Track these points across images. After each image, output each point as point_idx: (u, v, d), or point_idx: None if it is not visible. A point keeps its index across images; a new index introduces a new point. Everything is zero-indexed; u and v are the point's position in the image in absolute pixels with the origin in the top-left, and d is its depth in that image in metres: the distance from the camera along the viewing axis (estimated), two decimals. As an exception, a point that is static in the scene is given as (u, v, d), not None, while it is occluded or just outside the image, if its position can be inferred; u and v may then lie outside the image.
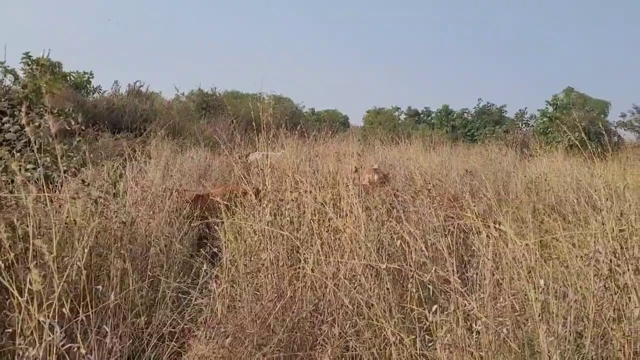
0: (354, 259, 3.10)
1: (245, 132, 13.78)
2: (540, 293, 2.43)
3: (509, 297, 2.70)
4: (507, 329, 2.41)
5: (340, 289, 3.03)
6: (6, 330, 2.09)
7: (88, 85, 16.46)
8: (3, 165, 2.86)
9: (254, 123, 5.05)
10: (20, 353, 1.88)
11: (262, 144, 5.41)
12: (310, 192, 3.83)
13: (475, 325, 2.43)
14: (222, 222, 4.54)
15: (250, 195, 4.20)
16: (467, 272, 3.12)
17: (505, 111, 23.11)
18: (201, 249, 4.92)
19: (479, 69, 43.28)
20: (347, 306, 2.92)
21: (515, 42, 44.08)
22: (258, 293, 3.39)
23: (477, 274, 2.95)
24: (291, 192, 4.10)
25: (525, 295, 2.77)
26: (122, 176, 5.22)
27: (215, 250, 4.32)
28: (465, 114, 23.50)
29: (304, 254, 3.36)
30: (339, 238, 3.38)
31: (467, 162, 10.50)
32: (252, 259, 3.61)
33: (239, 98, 21.26)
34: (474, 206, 4.48)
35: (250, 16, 47.13)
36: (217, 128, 14.97)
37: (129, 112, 14.75)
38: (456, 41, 46.50)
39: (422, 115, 25.45)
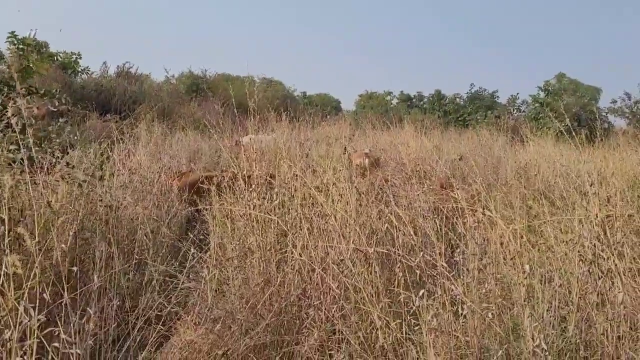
0: (343, 243, 3.09)
1: (236, 115, 13.69)
2: (525, 278, 2.44)
3: (494, 282, 2.71)
4: (492, 314, 2.42)
5: (328, 273, 3.03)
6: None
7: (76, 66, 16.23)
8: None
9: (242, 107, 4.99)
10: None
11: (252, 128, 5.38)
12: (300, 176, 3.81)
13: (461, 309, 2.43)
14: (211, 206, 4.52)
15: (239, 179, 4.17)
16: (454, 257, 3.13)
17: (497, 96, 23.12)
18: (189, 233, 4.91)
19: (471, 54, 43.13)
20: (335, 290, 2.92)
21: (508, 27, 43.95)
22: (246, 277, 3.38)
23: (462, 259, 2.96)
24: (279, 176, 4.08)
25: (511, 279, 2.78)
26: (110, 158, 5.17)
27: (203, 234, 4.30)
28: (457, 99, 23.47)
29: (293, 238, 3.35)
30: (327, 222, 3.37)
31: (458, 147, 10.51)
32: (239, 243, 3.60)
33: (230, 81, 21.08)
34: (463, 191, 4.50)
35: (241, -2, 46.57)
36: (207, 111, 14.88)
37: (118, 93, 14.60)
38: (449, 26, 46.28)
39: (414, 100, 25.38)
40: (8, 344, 1.78)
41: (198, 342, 2.83)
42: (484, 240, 3.05)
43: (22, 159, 2.65)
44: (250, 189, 3.72)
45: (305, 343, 2.75)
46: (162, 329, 2.92)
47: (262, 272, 3.29)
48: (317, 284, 3.08)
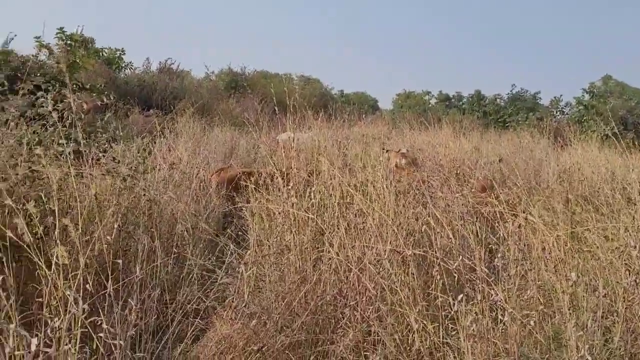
0: (380, 243, 3.08)
1: (274, 112, 13.76)
2: (571, 286, 2.37)
3: (536, 289, 2.65)
4: (534, 321, 2.36)
5: (365, 273, 3.02)
6: (37, 300, 2.14)
7: (120, 62, 16.61)
8: (37, 140, 2.91)
9: (280, 104, 5.01)
10: (48, 322, 1.92)
11: (289, 125, 5.40)
12: (338, 175, 3.81)
13: (502, 316, 2.39)
14: (248, 203, 4.56)
15: (277, 177, 4.20)
16: (493, 261, 3.07)
17: (540, 98, 22.55)
18: (226, 228, 4.96)
19: (513, 53, 42.27)
20: (371, 291, 2.91)
21: (553, 27, 42.85)
22: (282, 275, 3.40)
23: (503, 264, 2.90)
24: (317, 174, 4.09)
25: (553, 287, 2.71)
26: (151, 153, 5.28)
27: (240, 230, 4.34)
28: (497, 99, 23.00)
29: (329, 237, 3.35)
30: (365, 222, 3.36)
31: (498, 148, 10.32)
32: (277, 240, 3.62)
33: (268, 78, 21.23)
34: (503, 194, 4.41)
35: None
36: (245, 108, 15.02)
37: (159, 89, 14.88)
38: (491, 26, 45.44)
39: (453, 100, 25.01)
40: (57, 332, 1.84)
41: (234, 336, 2.86)
42: (525, 246, 2.98)
43: (70, 152, 2.73)
44: (289, 187, 3.74)
45: (341, 343, 2.75)
46: (199, 323, 2.97)
47: (299, 270, 3.30)
48: (353, 284, 3.08)
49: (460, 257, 2.68)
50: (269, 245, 3.62)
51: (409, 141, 10.87)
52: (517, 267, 2.69)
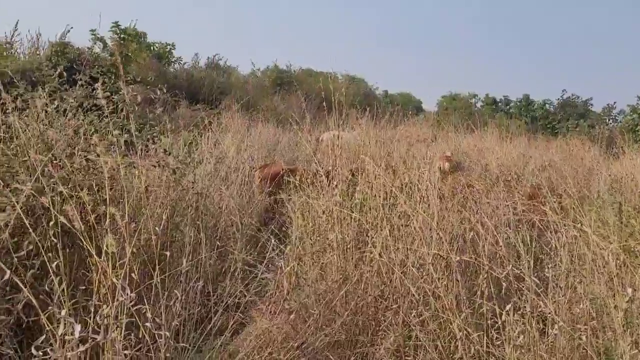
0: (424, 247, 3.03)
1: (318, 110, 13.80)
2: (627, 302, 2.28)
3: (587, 302, 2.55)
4: (585, 337, 2.28)
5: (408, 276, 2.98)
6: (88, 288, 2.20)
7: (170, 56, 16.99)
8: (93, 130, 3.01)
9: (324, 102, 5.01)
10: (97, 310, 1.97)
11: (333, 124, 5.39)
12: (381, 175, 3.78)
13: (551, 329, 2.31)
14: (290, 199, 4.58)
15: (320, 174, 4.20)
16: (541, 272, 2.98)
17: (592, 104, 21.81)
18: (268, 224, 5.00)
19: (565, 58, 41.01)
20: (414, 295, 2.87)
21: (609, 31, 41.35)
22: (323, 273, 3.39)
23: (552, 275, 2.81)
24: (362, 173, 4.06)
25: (604, 301, 2.61)
26: (198, 147, 5.37)
27: (282, 226, 4.37)
28: (547, 104, 22.38)
29: (372, 237, 3.33)
30: (409, 224, 3.32)
31: (546, 155, 10.04)
32: (319, 238, 3.62)
33: (313, 76, 21.28)
34: (554, 202, 4.28)
35: None
36: (289, 105, 15.12)
37: (206, 84, 15.15)
38: (543, 29, 44.20)
39: (500, 104, 24.49)
40: (106, 319, 1.88)
41: (273, 331, 2.87)
42: (576, 258, 2.88)
43: (123, 142, 2.80)
44: (333, 186, 3.73)
45: (381, 346, 2.72)
46: (240, 317, 3.00)
47: (340, 269, 3.29)
48: (395, 287, 3.05)
49: (510, 265, 2.61)
50: (311, 243, 3.62)
51: (454, 144, 10.70)
52: (568, 278, 2.60)
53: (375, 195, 3.69)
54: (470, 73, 43.07)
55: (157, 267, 2.37)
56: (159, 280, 2.37)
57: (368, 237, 3.36)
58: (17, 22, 10.15)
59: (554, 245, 2.94)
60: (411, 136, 10.94)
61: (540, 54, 43.30)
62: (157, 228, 2.44)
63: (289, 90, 17.97)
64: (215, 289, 3.41)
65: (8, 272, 1.74)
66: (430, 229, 3.25)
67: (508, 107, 23.98)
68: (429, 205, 3.53)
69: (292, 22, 45.62)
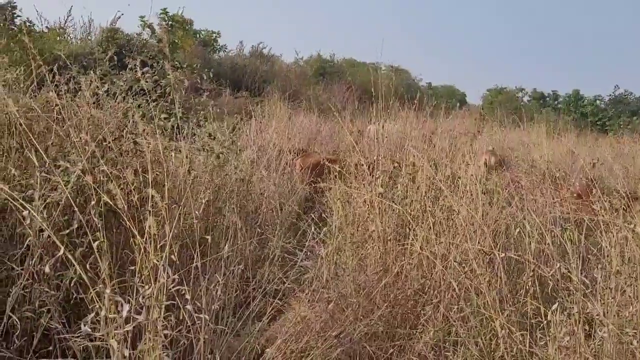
0: (467, 242, 2.96)
1: (360, 101, 13.72)
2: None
3: (638, 305, 2.45)
4: (637, 340, 2.18)
5: (449, 271, 2.93)
6: (130, 268, 2.24)
7: (215, 44, 17.19)
8: (141, 113, 3.06)
9: (367, 93, 4.96)
10: (139, 290, 2.00)
11: (376, 115, 5.33)
12: (426, 167, 3.71)
13: (598, 331, 2.23)
14: (331, 189, 4.57)
15: (362, 165, 4.16)
16: (588, 272, 2.87)
17: (646, 101, 20.98)
18: (307, 212, 5.01)
19: (618, 53, 39.42)
20: (455, 290, 2.81)
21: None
22: (362, 263, 3.37)
23: (602, 276, 2.70)
24: (406, 165, 4.01)
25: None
26: (241, 134, 5.41)
27: (323, 215, 4.35)
28: (597, 101, 21.60)
29: (414, 230, 3.28)
30: (452, 219, 3.25)
31: (595, 152, 9.70)
32: (360, 229, 3.59)
33: (356, 66, 21.15)
34: (605, 201, 4.11)
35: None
36: (331, 95, 15.08)
37: (249, 72, 15.26)
38: (594, 23, 42.61)
39: (548, 99, 23.80)
40: (148, 300, 1.91)
41: (311, 319, 2.87)
42: (629, 260, 2.76)
43: (171, 126, 2.84)
44: (376, 177, 3.69)
45: (420, 340, 2.68)
46: (278, 303, 3.01)
47: (380, 261, 3.25)
48: (436, 281, 3.00)
49: (559, 265, 2.52)
50: (351, 233, 3.60)
51: (499, 139, 10.45)
52: (620, 280, 2.49)
53: (417, 187, 3.64)
54: (518, 67, 41.97)
55: (198, 250, 2.40)
56: (199, 264, 2.39)
57: (409, 229, 3.32)
58: (70, 8, 10.49)
59: (603, 246, 2.82)
60: (454, 129, 10.72)
61: (593, 48, 41.78)
62: (196, 212, 2.46)
63: (331, 80, 17.93)
64: (255, 275, 3.43)
65: (62, 248, 1.78)
66: (474, 224, 3.18)
67: (556, 102, 23.28)
68: (472, 199, 3.46)
69: (337, 11, 45.42)
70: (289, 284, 3.22)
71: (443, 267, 2.96)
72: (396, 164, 4.14)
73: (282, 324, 2.99)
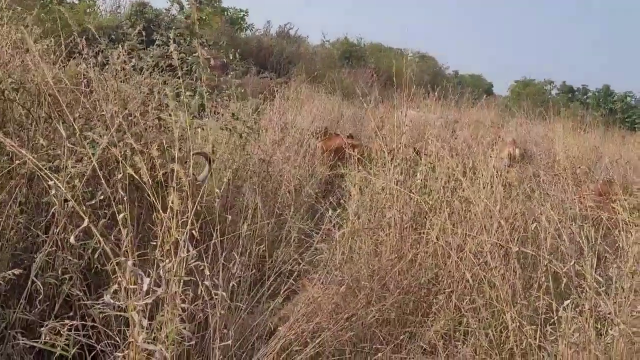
0: (484, 234, 2.97)
1: (385, 86, 13.63)
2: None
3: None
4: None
5: (464, 262, 2.94)
6: (151, 242, 2.29)
7: (242, 22, 17.18)
8: (169, 89, 3.09)
9: (391, 80, 4.94)
10: (160, 264, 2.04)
11: (398, 101, 5.30)
12: (446, 157, 3.70)
13: (609, 329, 2.23)
14: (351, 173, 4.58)
15: (382, 150, 4.15)
16: (604, 271, 2.86)
17: (679, 99, 20.46)
18: (326, 196, 5.03)
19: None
20: (468, 281, 2.83)
21: None
22: (377, 250, 3.39)
23: (618, 275, 2.68)
24: (425, 153, 4.00)
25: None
26: (265, 114, 5.44)
27: (341, 199, 4.38)
28: (628, 97, 21.09)
29: (431, 219, 3.29)
30: (470, 210, 3.25)
31: (621, 150, 9.52)
32: (377, 215, 3.61)
33: (383, 51, 20.96)
34: (624, 200, 4.05)
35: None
36: (356, 78, 14.99)
37: (276, 53, 15.24)
38: (625, 17, 41.43)
39: (577, 93, 23.33)
40: (167, 274, 1.96)
41: (324, 300, 2.91)
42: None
43: (195, 104, 2.87)
44: (395, 164, 3.69)
45: (432, 328, 2.71)
46: (292, 284, 3.05)
47: (395, 248, 3.27)
48: (450, 272, 3.01)
49: (573, 261, 2.52)
50: (368, 219, 3.62)
51: (525, 131, 10.32)
52: (632, 280, 2.48)
53: (437, 177, 3.64)
54: (548, 59, 41.12)
55: (218, 228, 2.44)
56: (218, 240, 2.44)
57: (426, 218, 3.33)
58: (102, -20, 10.59)
59: (620, 245, 2.80)
60: (480, 120, 10.61)
61: (626, 42, 40.68)
62: (217, 190, 2.50)
63: (357, 64, 17.82)
64: (271, 254, 3.48)
65: (86, 219, 1.83)
66: (492, 217, 3.18)
67: (585, 97, 22.82)
68: (492, 192, 3.44)
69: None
70: (303, 266, 3.26)
71: (458, 258, 2.97)
72: (415, 153, 4.14)
73: (295, 304, 3.04)
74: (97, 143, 2.36)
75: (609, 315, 2.25)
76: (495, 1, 45.72)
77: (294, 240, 3.75)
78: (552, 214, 2.87)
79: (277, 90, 7.81)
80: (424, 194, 3.54)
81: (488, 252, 2.86)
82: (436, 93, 8.99)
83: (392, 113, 8.38)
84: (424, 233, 3.28)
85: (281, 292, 2.92)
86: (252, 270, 3.01)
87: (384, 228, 3.43)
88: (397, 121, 4.14)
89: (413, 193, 3.42)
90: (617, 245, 2.80)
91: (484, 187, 3.47)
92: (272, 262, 3.31)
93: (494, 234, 3.03)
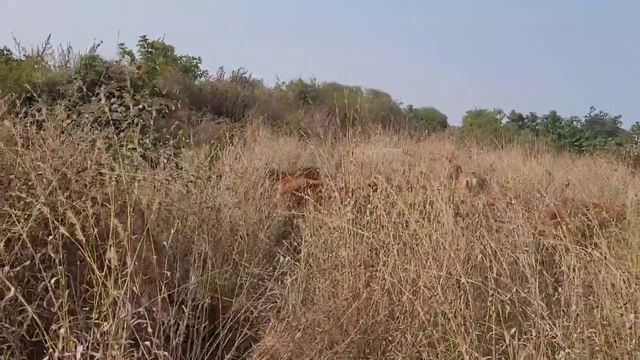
0: (435, 268, 2.99)
1: (343, 124, 13.79)
2: (630, 328, 2.21)
3: (601, 328, 2.48)
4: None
5: (418, 296, 2.94)
6: (87, 303, 2.21)
7: (195, 70, 17.28)
8: (107, 144, 3.06)
9: (346, 117, 5.02)
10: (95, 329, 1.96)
11: (350, 139, 5.37)
12: (393, 193, 3.75)
13: (558, 354, 2.26)
14: (305, 215, 4.58)
15: (334, 191, 4.17)
16: (553, 296, 2.91)
17: (620, 122, 21.43)
18: (286, 238, 5.00)
19: (594, 75, 40.34)
20: (423, 317, 2.83)
21: (637, 46, 40.55)
22: (334, 290, 3.37)
23: (562, 299, 2.73)
24: (379, 190, 4.04)
25: (617, 328, 2.54)
26: (219, 159, 5.41)
27: (298, 241, 4.36)
28: (574, 122, 22.01)
29: (384, 256, 3.30)
30: (419, 244, 3.28)
31: (570, 173, 9.85)
32: (331, 255, 3.60)
33: (337, 90, 21.33)
34: (572, 224, 4.17)
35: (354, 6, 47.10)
36: (313, 119, 15.18)
37: (230, 97, 15.34)
38: (570, 45, 43.64)
39: (526, 121, 24.18)
40: (106, 337, 1.89)
41: (279, 349, 2.86)
42: (591, 281, 2.81)
43: (143, 156, 2.84)
44: (345, 203, 3.71)
45: (390, 366, 2.69)
46: (247, 333, 2.99)
47: (351, 287, 3.26)
48: (405, 307, 3.01)
49: (515, 288, 2.56)
50: (324, 259, 3.61)
51: (476, 161, 10.59)
52: (580, 303, 2.53)
53: (388, 213, 3.67)
54: (496, 89, 42.69)
55: (164, 282, 2.38)
56: (166, 295, 2.38)
57: (378, 256, 3.34)
58: (49, 36, 10.51)
59: (564, 268, 2.87)
60: (434, 152, 10.84)
61: (570, 70, 42.72)
62: (165, 242, 2.46)
63: (313, 104, 18.06)
64: (229, 304, 3.41)
65: (13, 289, 1.77)
66: (444, 249, 3.21)
67: (534, 123, 23.68)
68: (442, 224, 3.49)
69: (317, 36, 45.95)
70: (259, 312, 3.20)
71: (412, 292, 2.97)
72: (367, 189, 4.17)
73: (250, 355, 2.97)
74: (34, 204, 2.29)
75: (554, 340, 2.28)
76: (446, 34, 47.44)
77: (248, 287, 3.69)
78: (491, 243, 2.93)
79: (233, 134, 7.82)
80: (376, 231, 3.56)
81: (439, 286, 2.88)
82: (391, 128, 9.20)
83: (349, 150, 8.49)
84: (378, 270, 3.28)
85: (236, 343, 2.85)
86: (205, 322, 2.94)
87: (338, 268, 3.42)
88: (346, 160, 4.19)
89: (362, 231, 3.44)
90: (560, 269, 2.86)
91: (435, 220, 3.52)
92: (225, 311, 3.24)
93: (446, 267, 3.05)
